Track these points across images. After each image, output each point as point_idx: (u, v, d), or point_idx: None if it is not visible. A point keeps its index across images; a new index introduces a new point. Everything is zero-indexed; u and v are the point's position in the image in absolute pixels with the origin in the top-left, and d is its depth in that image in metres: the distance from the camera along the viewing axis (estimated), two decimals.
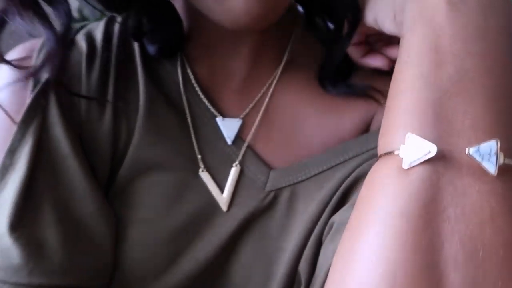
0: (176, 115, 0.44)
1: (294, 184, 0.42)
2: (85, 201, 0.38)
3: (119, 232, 0.40)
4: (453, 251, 0.21)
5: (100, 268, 0.39)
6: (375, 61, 0.41)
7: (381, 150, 0.26)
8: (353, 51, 0.39)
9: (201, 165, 0.43)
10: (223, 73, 0.45)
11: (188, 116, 0.44)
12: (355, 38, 0.40)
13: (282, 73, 0.46)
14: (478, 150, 0.22)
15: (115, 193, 0.41)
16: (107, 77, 0.42)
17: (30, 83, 0.40)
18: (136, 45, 0.45)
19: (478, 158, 0.22)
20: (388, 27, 0.35)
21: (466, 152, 0.22)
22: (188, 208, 0.41)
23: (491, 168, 0.22)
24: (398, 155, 0.24)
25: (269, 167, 0.43)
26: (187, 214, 0.41)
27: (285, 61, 0.46)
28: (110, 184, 0.42)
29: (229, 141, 0.43)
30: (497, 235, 0.21)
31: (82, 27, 0.46)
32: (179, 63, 0.45)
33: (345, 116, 0.44)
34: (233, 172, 0.43)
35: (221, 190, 0.43)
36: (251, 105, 0.45)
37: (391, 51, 0.41)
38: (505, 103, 0.24)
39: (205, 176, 0.43)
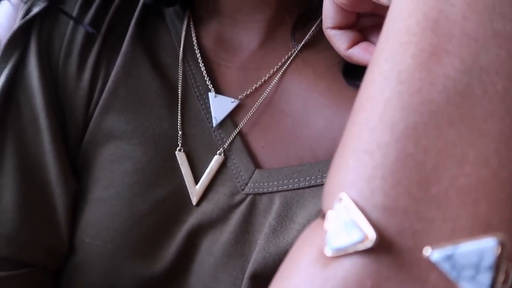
0: (163, 83, 0.37)
1: (279, 191, 0.33)
2: (49, 166, 0.35)
3: (77, 212, 0.36)
4: None
5: (54, 246, 0.35)
6: (364, 55, 0.26)
7: (322, 205, 0.16)
8: (337, 38, 0.26)
9: (180, 144, 0.36)
10: (231, 43, 0.37)
11: (179, 85, 0.37)
12: (341, 17, 0.26)
13: (299, 54, 0.36)
14: (451, 256, 0.11)
15: (80, 164, 0.36)
16: (98, 29, 0.37)
17: (21, 11, 0.36)
18: (140, 3, 0.38)
19: (451, 272, 0.11)
20: None
21: (426, 254, 0.12)
22: (154, 194, 0.35)
23: None
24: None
25: (257, 165, 0.35)
26: (151, 201, 0.35)
27: (306, 41, 0.36)
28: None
29: (214, 123, 0.36)
30: None
31: None
32: (184, 25, 0.38)
33: None
34: (214, 161, 0.35)
35: (196, 179, 0.36)
36: (254, 86, 0.36)
37: None
38: None
39: (181, 158, 0.36)
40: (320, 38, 0.35)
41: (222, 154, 0.35)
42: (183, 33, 0.38)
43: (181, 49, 0.37)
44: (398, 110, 0.14)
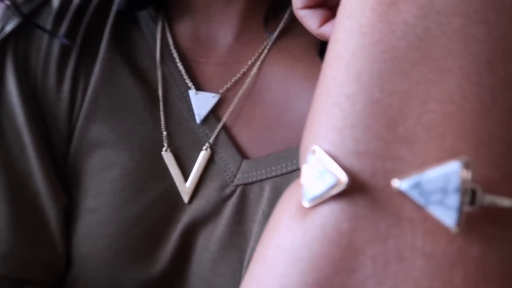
0: (144, 86, 0.37)
1: (268, 178, 0.33)
2: (37, 182, 0.35)
3: (71, 223, 0.36)
4: None
5: (51, 261, 0.35)
6: None
7: (299, 164, 0.17)
8: (308, 18, 0.27)
9: (166, 144, 0.36)
10: (207, 40, 0.38)
11: (160, 87, 0.37)
12: None
13: (275, 43, 0.36)
14: (418, 183, 0.11)
15: (68, 176, 0.36)
16: (73, 41, 0.37)
17: None
18: (113, 11, 0.38)
19: (419, 199, 0.11)
20: None
21: (395, 185, 0.12)
22: (145, 197, 0.35)
23: (448, 216, 0.11)
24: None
25: (244, 156, 0.35)
26: (143, 204, 0.35)
27: (281, 28, 0.36)
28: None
29: (198, 119, 0.36)
30: None
31: None
32: (159, 26, 0.38)
33: None
34: (201, 157, 0.36)
35: (186, 177, 0.36)
36: (234, 79, 0.37)
37: None
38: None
39: (168, 158, 0.36)
40: (294, 25, 0.36)
41: (208, 150, 0.35)
42: (159, 35, 0.38)
43: (158, 51, 0.38)
44: (363, 61, 0.14)
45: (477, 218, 0.12)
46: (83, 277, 0.35)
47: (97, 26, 0.38)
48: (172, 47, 0.38)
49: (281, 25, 0.36)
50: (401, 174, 0.13)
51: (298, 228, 0.14)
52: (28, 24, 0.36)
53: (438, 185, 0.11)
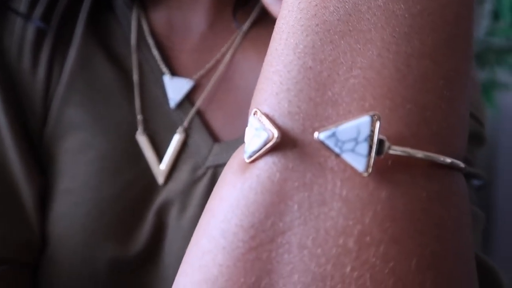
0: (119, 72, 0.38)
1: None
2: (12, 162, 0.35)
3: (47, 204, 0.37)
4: None
5: (26, 241, 0.36)
6: None
7: None
8: (274, 5, 0.28)
9: (140, 127, 0.37)
10: (181, 27, 0.39)
11: (135, 73, 0.38)
12: None
13: (248, 31, 0.38)
14: (333, 133, 0.13)
15: (44, 157, 0.37)
16: (48, 25, 0.38)
17: None
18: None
19: (334, 147, 0.13)
20: None
21: (315, 137, 0.14)
22: (120, 178, 0.36)
23: (358, 163, 0.13)
24: None
25: (216, 139, 0.37)
26: (119, 185, 0.36)
27: (253, 18, 0.38)
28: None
29: (172, 104, 0.37)
30: (362, 278, 0.13)
31: None
32: (134, 14, 0.39)
33: None
34: (175, 140, 0.37)
35: (160, 160, 0.37)
36: (208, 66, 0.38)
37: None
38: (430, 43, 0.15)
39: (142, 140, 0.37)
40: (266, 15, 0.37)
41: (182, 133, 0.37)
42: (134, 22, 0.39)
43: (134, 38, 0.39)
44: (299, 33, 0.16)
45: (388, 166, 0.13)
46: (59, 258, 0.36)
47: (72, 12, 0.39)
48: (147, 34, 0.39)
49: (253, 14, 0.38)
50: (328, 125, 0.14)
51: (237, 181, 0.15)
52: (1, 7, 0.37)
53: (351, 135, 0.13)
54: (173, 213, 0.36)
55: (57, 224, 0.36)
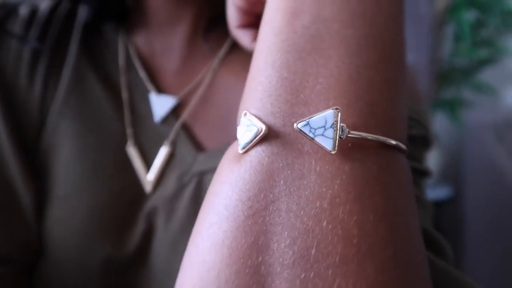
0: (110, 90, 0.42)
1: None
2: (10, 167, 0.38)
3: (43, 209, 0.39)
4: (280, 251, 0.17)
5: (25, 242, 0.38)
6: None
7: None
8: (242, 36, 0.33)
9: (130, 140, 0.41)
10: (163, 50, 0.43)
11: (124, 91, 0.42)
12: (242, 18, 0.33)
13: (229, 51, 0.43)
14: (307, 123, 0.17)
15: (39, 164, 0.40)
16: (42, 46, 0.41)
17: None
18: (79, 21, 0.43)
19: (309, 133, 0.17)
20: None
21: (295, 127, 0.18)
22: (113, 186, 0.39)
23: (327, 144, 0.17)
24: None
25: (200, 149, 0.40)
26: (111, 192, 0.39)
27: (231, 42, 0.43)
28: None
29: (156, 119, 0.41)
30: (335, 229, 0.17)
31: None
32: (120, 37, 0.44)
33: None
34: (162, 152, 0.41)
35: (148, 170, 0.40)
36: (189, 87, 0.42)
37: None
38: (373, 57, 0.20)
39: (132, 152, 0.40)
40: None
41: (168, 146, 0.40)
42: (121, 45, 0.43)
43: (122, 60, 0.43)
44: (275, 53, 0.21)
45: (348, 147, 0.18)
46: (55, 259, 0.38)
47: (64, 34, 0.42)
48: (133, 57, 0.43)
49: (229, 40, 0.43)
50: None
51: (234, 167, 0.19)
52: None
53: (320, 123, 0.17)
54: (161, 217, 0.39)
55: (53, 228, 0.38)
